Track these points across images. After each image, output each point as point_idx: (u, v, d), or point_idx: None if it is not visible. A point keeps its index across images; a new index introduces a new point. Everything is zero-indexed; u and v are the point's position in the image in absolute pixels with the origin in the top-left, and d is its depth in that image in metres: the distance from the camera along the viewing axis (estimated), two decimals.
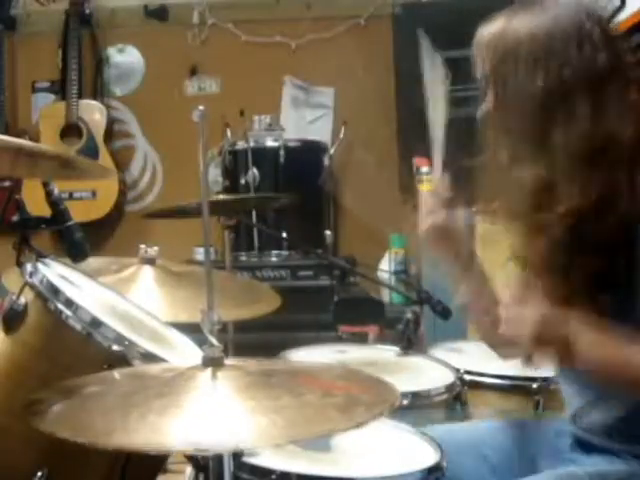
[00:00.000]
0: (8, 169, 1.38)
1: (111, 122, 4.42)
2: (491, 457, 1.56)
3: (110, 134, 4.42)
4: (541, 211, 1.38)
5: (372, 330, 3.44)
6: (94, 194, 4.27)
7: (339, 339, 3.28)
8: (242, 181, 3.87)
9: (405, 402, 1.74)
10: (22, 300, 1.40)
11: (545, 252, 1.38)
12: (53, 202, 1.52)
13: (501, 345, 1.67)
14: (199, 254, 3.81)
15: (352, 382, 1.24)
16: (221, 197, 2.74)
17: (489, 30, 1.53)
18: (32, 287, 1.40)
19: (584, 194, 1.34)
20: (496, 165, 1.48)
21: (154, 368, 1.31)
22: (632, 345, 1.31)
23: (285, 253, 3.80)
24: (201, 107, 1.17)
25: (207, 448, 1.07)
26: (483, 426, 1.70)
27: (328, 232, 3.91)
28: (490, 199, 1.53)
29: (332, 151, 4.15)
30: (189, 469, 1.93)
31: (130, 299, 1.71)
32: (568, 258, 1.36)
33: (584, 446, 1.50)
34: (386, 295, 3.91)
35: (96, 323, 1.36)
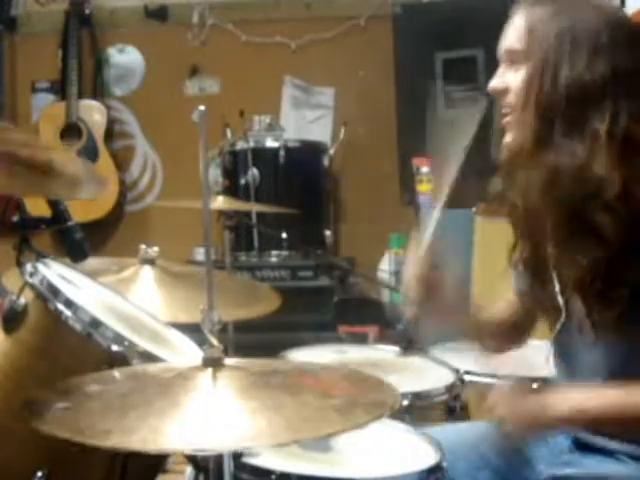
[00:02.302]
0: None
1: (111, 122, 4.42)
2: (490, 457, 1.56)
3: (110, 134, 4.42)
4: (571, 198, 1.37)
5: (372, 330, 3.44)
6: None
7: (339, 339, 3.28)
8: (242, 181, 3.87)
9: (405, 402, 1.74)
10: (22, 300, 1.40)
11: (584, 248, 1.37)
12: (53, 202, 1.52)
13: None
14: (199, 254, 3.81)
15: (352, 382, 1.24)
16: (222, 202, 2.72)
17: (543, 6, 1.46)
18: (32, 287, 1.40)
19: (622, 184, 1.33)
20: (520, 148, 1.45)
21: (154, 368, 1.31)
22: (621, 389, 1.34)
23: (285, 253, 3.80)
24: (202, 107, 1.17)
25: (205, 449, 1.07)
26: (483, 426, 1.70)
27: (328, 232, 3.91)
28: (508, 189, 1.49)
29: (332, 151, 4.14)
30: (189, 469, 1.93)
31: (130, 299, 1.71)
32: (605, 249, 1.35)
33: (583, 447, 1.50)
34: (386, 295, 3.91)
35: (96, 323, 1.36)
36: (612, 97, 1.38)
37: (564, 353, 1.54)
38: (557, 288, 1.47)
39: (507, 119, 1.48)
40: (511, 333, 1.76)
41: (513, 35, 1.47)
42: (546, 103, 1.40)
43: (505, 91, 1.47)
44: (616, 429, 1.42)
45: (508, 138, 1.47)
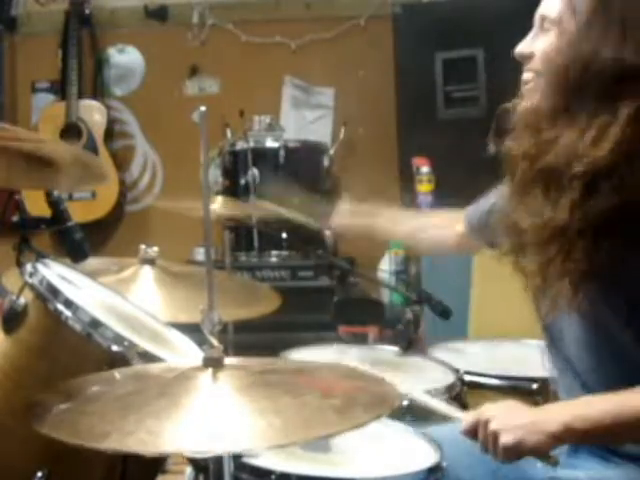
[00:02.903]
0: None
1: (111, 122, 4.42)
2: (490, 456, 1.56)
3: (110, 134, 4.42)
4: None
5: (372, 330, 3.44)
6: (94, 194, 4.26)
7: (339, 339, 3.27)
8: (242, 181, 3.87)
9: (405, 402, 1.74)
10: (22, 300, 1.41)
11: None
12: (53, 202, 1.52)
13: None
14: (199, 254, 3.81)
15: (352, 382, 1.24)
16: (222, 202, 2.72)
17: None
18: (32, 287, 1.40)
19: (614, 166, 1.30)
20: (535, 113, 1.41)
21: (154, 368, 1.31)
22: (608, 397, 1.34)
23: (285, 253, 3.80)
24: (202, 107, 1.17)
25: (204, 450, 1.07)
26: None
27: (328, 232, 3.91)
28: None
29: (332, 151, 4.14)
30: (189, 469, 1.93)
31: (130, 299, 1.71)
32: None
33: (581, 449, 1.50)
34: (386, 295, 3.90)
35: (96, 323, 1.36)
36: (628, 88, 1.32)
37: (553, 333, 1.53)
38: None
39: (527, 86, 1.46)
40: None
41: (552, 1, 1.43)
42: (563, 78, 1.36)
43: (530, 56, 1.46)
44: (611, 439, 1.41)
45: (525, 103, 1.44)
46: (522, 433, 1.34)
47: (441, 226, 2.05)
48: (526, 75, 1.47)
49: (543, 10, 1.46)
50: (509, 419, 1.38)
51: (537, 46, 1.45)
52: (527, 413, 1.40)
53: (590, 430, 1.34)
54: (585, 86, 1.35)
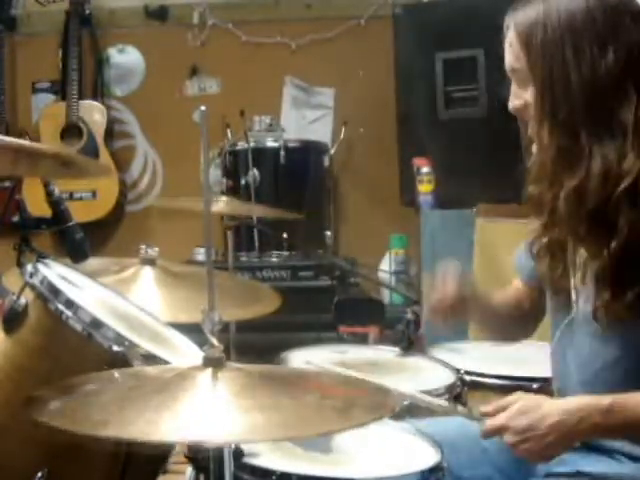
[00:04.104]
0: (9, 169, 1.38)
1: (111, 122, 4.42)
2: (491, 451, 1.56)
3: (110, 134, 4.42)
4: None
5: (372, 330, 3.44)
6: (94, 194, 4.27)
7: (339, 339, 3.28)
8: (242, 181, 3.87)
9: (405, 403, 1.74)
10: (22, 301, 1.40)
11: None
12: (53, 202, 1.52)
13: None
14: (199, 254, 3.81)
15: (353, 387, 1.24)
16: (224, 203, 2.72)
17: (529, 15, 1.39)
18: (32, 288, 1.40)
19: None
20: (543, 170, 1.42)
21: (154, 368, 1.31)
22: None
23: (285, 254, 3.80)
24: (202, 107, 1.17)
25: (202, 440, 1.07)
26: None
27: (328, 232, 3.91)
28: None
29: (332, 151, 4.15)
30: (189, 469, 1.93)
31: (130, 299, 1.71)
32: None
33: (584, 447, 1.49)
34: (386, 295, 3.91)
35: (96, 324, 1.36)
36: (632, 79, 1.33)
37: (566, 348, 1.53)
38: (572, 283, 1.47)
39: (536, 135, 1.44)
40: (518, 322, 1.76)
41: (510, 54, 1.43)
42: (566, 115, 1.35)
43: (525, 107, 1.43)
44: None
45: (540, 155, 1.43)
46: (547, 449, 1.37)
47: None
48: (531, 128, 1.44)
49: (509, 65, 1.44)
50: (532, 439, 1.37)
51: (526, 96, 1.42)
52: (548, 425, 1.37)
53: (612, 434, 1.38)
54: (587, 114, 1.34)
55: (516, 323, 1.77)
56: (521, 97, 1.44)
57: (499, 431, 1.40)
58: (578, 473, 1.46)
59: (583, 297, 1.45)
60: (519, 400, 1.42)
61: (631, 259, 1.33)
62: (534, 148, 1.45)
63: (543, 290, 1.60)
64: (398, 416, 1.62)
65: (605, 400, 1.35)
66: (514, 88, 1.45)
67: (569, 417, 1.36)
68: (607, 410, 1.34)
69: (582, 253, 1.43)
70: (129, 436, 1.00)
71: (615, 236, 1.33)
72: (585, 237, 1.39)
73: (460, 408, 1.59)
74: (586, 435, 1.39)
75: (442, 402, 1.63)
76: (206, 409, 1.06)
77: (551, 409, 1.38)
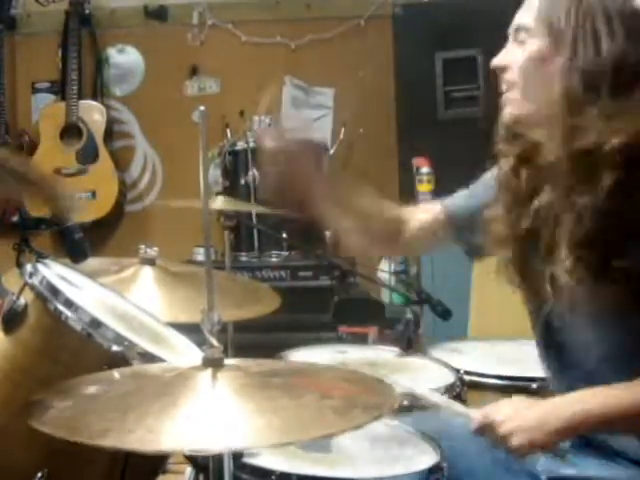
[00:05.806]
0: None
1: (111, 122, 4.42)
2: (491, 450, 1.56)
3: (110, 134, 4.42)
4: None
5: (372, 330, 3.44)
6: (94, 194, 4.26)
7: (339, 339, 3.28)
8: (242, 181, 3.87)
9: (405, 402, 1.74)
10: (22, 301, 1.40)
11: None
12: None
13: None
14: (199, 254, 3.81)
15: (352, 383, 1.24)
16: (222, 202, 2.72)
17: None
18: (32, 288, 1.40)
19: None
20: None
21: (154, 368, 1.31)
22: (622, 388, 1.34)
23: (285, 253, 3.80)
24: (202, 107, 1.17)
25: (202, 448, 1.07)
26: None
27: (328, 232, 3.91)
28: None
29: (332, 151, 4.14)
30: (189, 469, 1.93)
31: (130, 299, 1.71)
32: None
33: (583, 449, 1.49)
34: (386, 295, 3.90)
35: (96, 324, 1.36)
36: None
37: (552, 342, 1.53)
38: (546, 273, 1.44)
39: (507, 95, 1.49)
40: (388, 234, 1.82)
41: (528, 11, 1.45)
42: (591, 73, 1.36)
43: (505, 68, 1.48)
44: (623, 429, 1.42)
45: (508, 110, 1.48)
46: (531, 434, 1.37)
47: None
48: (504, 86, 1.49)
49: (519, 21, 1.48)
50: (517, 421, 1.39)
51: (512, 57, 1.47)
52: (534, 413, 1.40)
53: (595, 425, 1.37)
54: (613, 79, 1.35)
55: (384, 237, 1.82)
56: (506, 58, 1.48)
57: (487, 420, 1.42)
58: (581, 476, 1.46)
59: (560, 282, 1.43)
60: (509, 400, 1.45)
61: (612, 225, 1.32)
62: (506, 109, 1.48)
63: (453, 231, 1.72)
64: (398, 417, 1.62)
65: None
66: (506, 47, 1.49)
67: (555, 405, 1.41)
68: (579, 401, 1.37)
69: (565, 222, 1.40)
70: (129, 446, 1.00)
71: (599, 192, 1.31)
72: (569, 185, 1.37)
73: (458, 406, 1.59)
74: (572, 422, 1.38)
75: (441, 397, 1.63)
76: (206, 416, 1.06)
77: (538, 403, 1.42)
